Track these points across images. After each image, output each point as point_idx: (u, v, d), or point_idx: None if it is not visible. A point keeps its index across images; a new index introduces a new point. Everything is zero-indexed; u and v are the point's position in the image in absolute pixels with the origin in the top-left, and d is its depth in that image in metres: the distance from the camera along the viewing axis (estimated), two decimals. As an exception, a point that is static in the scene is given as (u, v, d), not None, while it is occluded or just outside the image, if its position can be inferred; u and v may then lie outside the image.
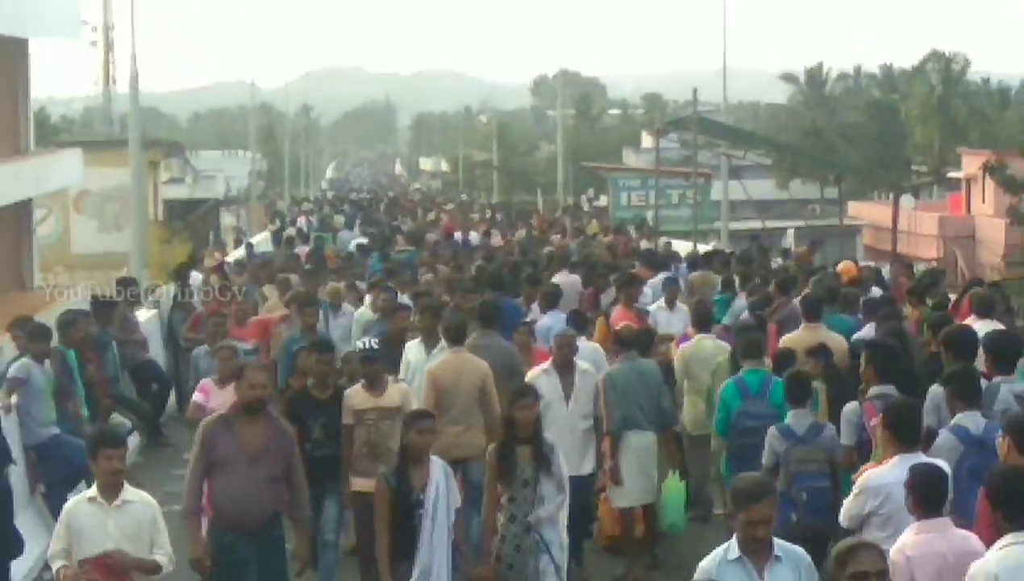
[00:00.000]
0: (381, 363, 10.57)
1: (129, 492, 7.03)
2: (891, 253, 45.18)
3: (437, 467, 8.03)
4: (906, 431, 7.98)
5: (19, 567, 11.24)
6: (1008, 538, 6.16)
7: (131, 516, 6.95)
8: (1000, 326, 12.41)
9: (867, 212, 62.24)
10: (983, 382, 9.42)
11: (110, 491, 6.90)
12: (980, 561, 6.13)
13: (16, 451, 11.91)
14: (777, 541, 6.05)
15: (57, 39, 34.79)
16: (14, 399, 12.71)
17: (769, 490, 6.20)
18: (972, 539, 6.74)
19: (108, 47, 49.67)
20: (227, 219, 57.18)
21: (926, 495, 6.88)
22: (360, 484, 9.89)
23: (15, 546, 10.75)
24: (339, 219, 46.69)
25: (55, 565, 6.96)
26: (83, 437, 12.45)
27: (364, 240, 33.27)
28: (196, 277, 23.38)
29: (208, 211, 55.21)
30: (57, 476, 12.94)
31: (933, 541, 6.74)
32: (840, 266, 22.72)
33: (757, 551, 5.90)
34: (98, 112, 48.80)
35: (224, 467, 7.67)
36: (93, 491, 7.03)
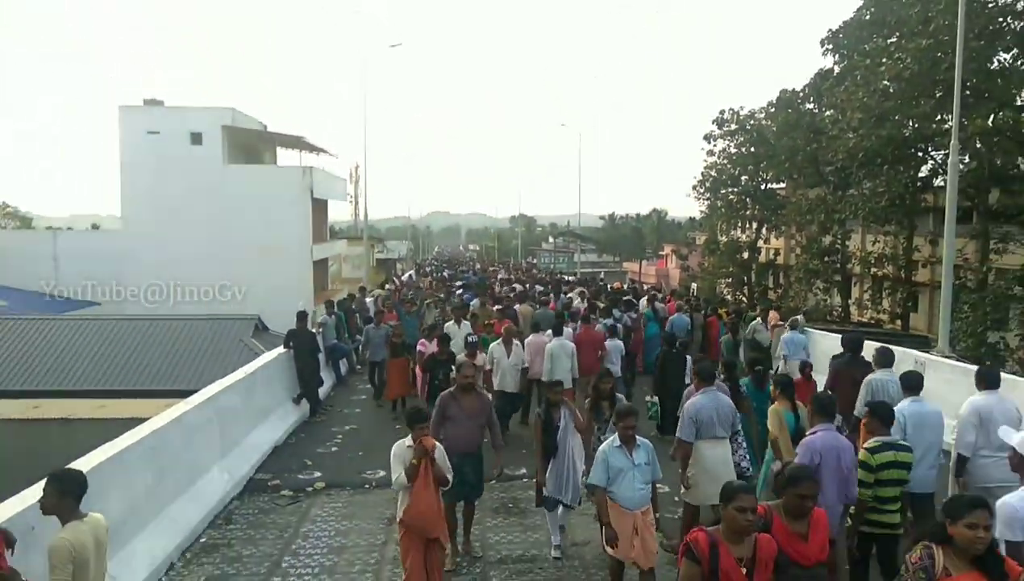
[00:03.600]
0: (477, 345, 10.10)
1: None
2: (639, 282, 54.19)
3: (568, 408, 6.98)
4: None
5: (322, 391, 13.12)
6: (700, 395, 6.76)
7: (438, 455, 5.62)
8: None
9: (630, 267, 75.95)
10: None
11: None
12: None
13: (321, 348, 13.55)
14: (638, 436, 5.76)
15: (337, 200, 40.70)
16: (322, 330, 14.35)
17: (634, 409, 5.90)
18: None
19: (356, 202, 57.42)
20: (398, 266, 64.75)
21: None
22: None
23: (320, 382, 12.90)
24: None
25: (399, 484, 5.61)
26: (345, 345, 15.14)
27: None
28: (388, 288, 24.62)
29: (391, 263, 65.71)
30: (335, 359, 14.72)
31: None
32: (614, 284, 29.10)
33: (628, 441, 5.65)
34: (352, 225, 57.17)
35: (453, 421, 6.61)
36: (409, 440, 5.60)
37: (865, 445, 5.56)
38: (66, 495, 4.08)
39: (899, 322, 28.70)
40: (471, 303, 15.94)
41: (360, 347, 14.77)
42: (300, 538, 7.46)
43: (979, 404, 6.35)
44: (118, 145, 31.04)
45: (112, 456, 6.24)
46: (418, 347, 11.75)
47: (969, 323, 20.41)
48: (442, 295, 19.84)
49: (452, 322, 12.41)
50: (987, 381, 6.51)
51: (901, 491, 5.57)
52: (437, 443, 5.79)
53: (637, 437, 5.76)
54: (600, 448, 5.85)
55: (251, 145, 34.73)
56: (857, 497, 5.35)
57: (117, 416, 14.36)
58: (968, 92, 20.95)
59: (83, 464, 5.75)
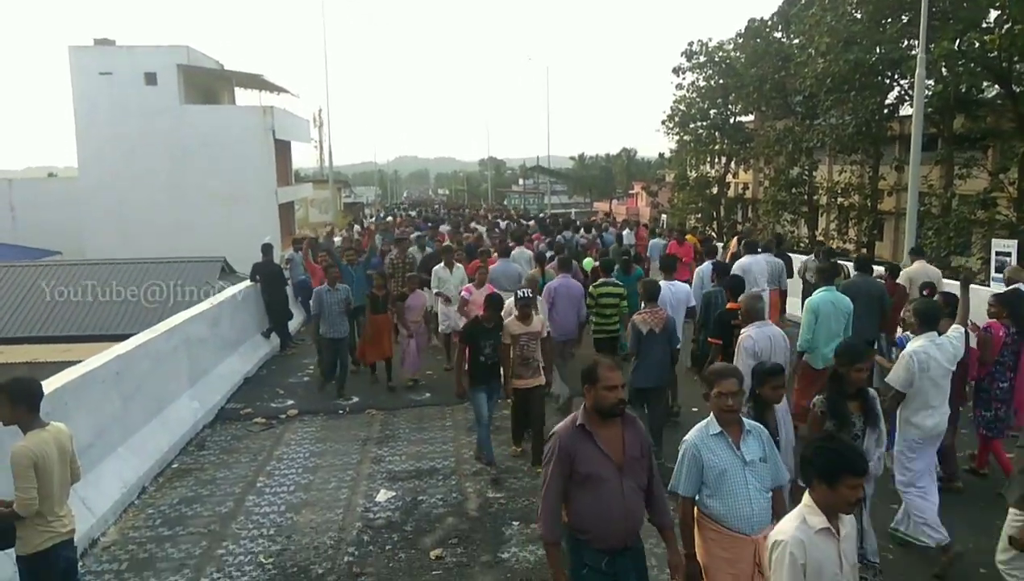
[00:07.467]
0: (531, 304, 7.17)
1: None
2: (612, 219, 53.57)
3: (782, 408, 4.75)
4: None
5: (292, 325, 12.87)
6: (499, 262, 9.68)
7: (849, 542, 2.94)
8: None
9: (601, 206, 72.32)
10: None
11: (836, 518, 2.90)
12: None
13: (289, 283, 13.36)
14: (744, 418, 3.75)
15: (302, 142, 38.37)
16: (289, 266, 13.85)
17: (734, 370, 3.80)
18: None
19: (320, 148, 56.05)
20: (366, 210, 63.59)
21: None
22: (517, 382, 7.07)
23: (288, 316, 12.46)
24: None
25: None
26: (309, 283, 13.14)
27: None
28: (356, 228, 24.39)
29: (359, 207, 62.98)
30: (303, 296, 13.75)
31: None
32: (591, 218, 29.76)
33: (731, 424, 3.66)
34: (317, 171, 56.46)
35: (591, 483, 3.39)
36: (824, 521, 2.83)
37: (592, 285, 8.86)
38: (18, 403, 3.96)
39: (865, 250, 29.12)
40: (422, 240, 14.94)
41: (309, 317, 11.52)
42: (275, 460, 7.47)
43: (742, 262, 9.99)
44: (70, 89, 29.94)
45: (76, 379, 6.15)
46: (462, 293, 9.51)
47: (933, 249, 20.74)
48: (415, 235, 16.91)
49: (443, 266, 10.74)
50: (749, 248, 10.52)
51: (617, 311, 8.48)
52: None
53: (744, 420, 3.76)
54: (686, 438, 3.76)
55: (208, 85, 33.67)
56: (587, 315, 8.75)
57: (83, 359, 14.12)
58: (935, 14, 20.86)
59: (47, 385, 5.64)
